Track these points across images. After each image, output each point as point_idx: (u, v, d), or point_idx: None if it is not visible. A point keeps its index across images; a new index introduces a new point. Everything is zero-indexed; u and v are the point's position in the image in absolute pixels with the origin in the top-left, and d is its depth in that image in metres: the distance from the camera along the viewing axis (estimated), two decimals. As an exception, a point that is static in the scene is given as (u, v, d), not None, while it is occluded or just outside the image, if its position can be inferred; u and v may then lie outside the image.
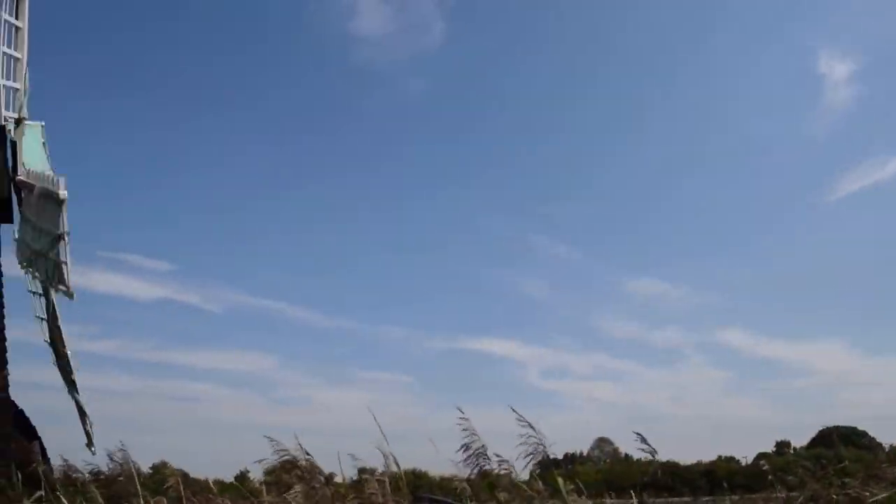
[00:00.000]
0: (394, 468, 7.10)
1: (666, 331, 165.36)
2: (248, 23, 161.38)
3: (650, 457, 7.45)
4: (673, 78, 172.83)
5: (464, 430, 7.16)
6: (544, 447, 7.14)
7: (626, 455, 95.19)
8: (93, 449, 20.52)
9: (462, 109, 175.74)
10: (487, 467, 7.30)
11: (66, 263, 18.65)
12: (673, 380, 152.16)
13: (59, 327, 22.39)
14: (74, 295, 18.98)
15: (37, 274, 20.76)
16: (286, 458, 7.99)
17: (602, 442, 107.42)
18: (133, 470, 8.99)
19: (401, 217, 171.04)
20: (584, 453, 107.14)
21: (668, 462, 77.19)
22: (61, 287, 19.12)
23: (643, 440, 7.15)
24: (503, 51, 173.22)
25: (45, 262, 19.64)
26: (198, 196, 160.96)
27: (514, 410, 7.01)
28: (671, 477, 61.71)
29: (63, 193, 18.44)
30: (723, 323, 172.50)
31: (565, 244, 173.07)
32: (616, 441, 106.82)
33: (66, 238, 18.50)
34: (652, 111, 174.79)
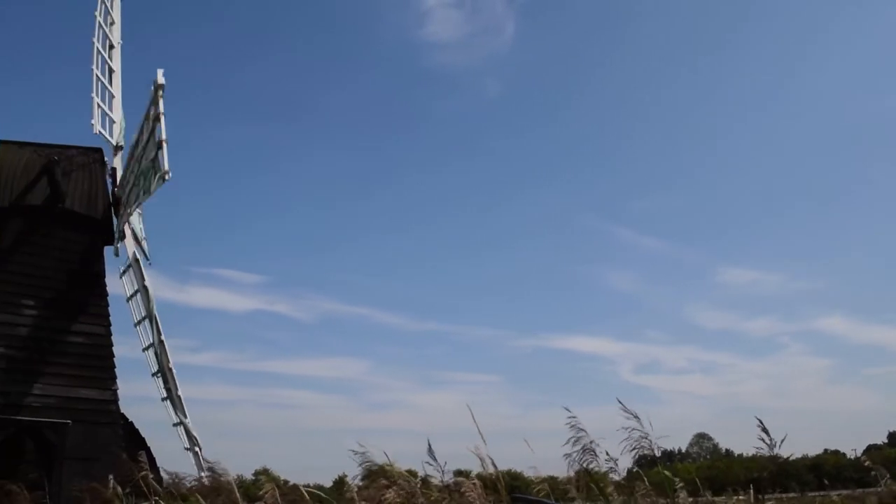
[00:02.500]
0: (490, 469, 7.03)
1: (761, 320, 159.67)
2: (323, 34, 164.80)
3: (767, 451, 7.09)
4: (749, 61, 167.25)
5: (571, 426, 7.03)
6: (650, 441, 6.94)
7: (727, 450, 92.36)
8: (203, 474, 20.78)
9: (540, 108, 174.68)
10: (594, 465, 7.15)
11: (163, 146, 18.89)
12: (771, 370, 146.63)
13: (161, 342, 23.11)
14: (168, 174, 18.80)
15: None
16: (368, 464, 8.04)
17: (701, 438, 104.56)
18: (231, 480, 9.24)
19: (483, 218, 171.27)
20: (683, 450, 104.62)
21: (771, 457, 74.54)
22: (161, 172, 19.15)
23: (764, 429, 6.79)
24: (577, 45, 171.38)
25: (146, 177, 20.10)
26: (280, 207, 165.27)
27: (619, 402, 6.86)
28: (776, 472, 59.50)
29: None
30: (822, 309, 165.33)
31: (653, 236, 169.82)
32: (715, 436, 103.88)
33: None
34: (731, 95, 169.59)
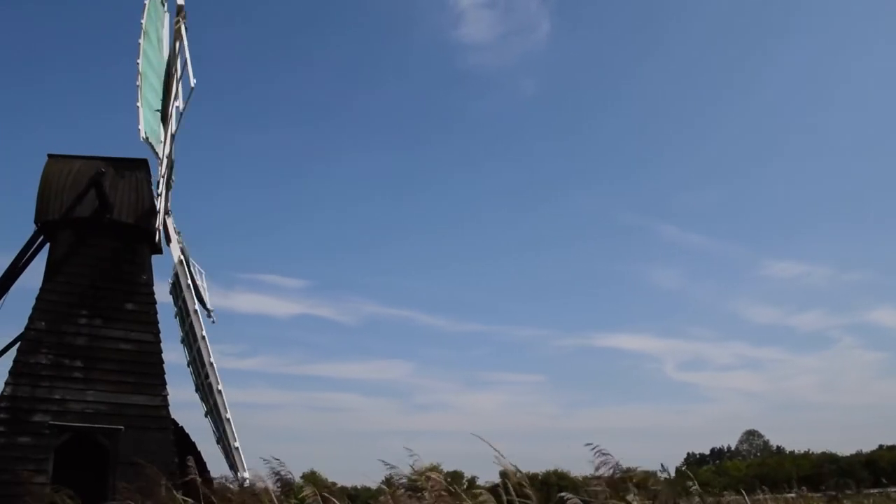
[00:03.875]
0: (515, 477, 7.01)
1: (810, 314, 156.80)
2: (358, 38, 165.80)
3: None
4: (792, 56, 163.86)
5: (597, 454, 7.05)
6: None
7: (778, 447, 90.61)
8: (244, 474, 21.13)
9: (576, 106, 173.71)
10: (619, 475, 7.15)
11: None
12: (822, 365, 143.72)
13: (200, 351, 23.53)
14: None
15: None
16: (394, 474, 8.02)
17: (751, 435, 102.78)
18: (269, 486, 9.36)
19: (521, 217, 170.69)
20: (733, 447, 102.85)
21: (824, 453, 72.82)
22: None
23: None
24: (614, 41, 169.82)
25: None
26: (320, 210, 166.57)
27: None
28: (829, 468, 58.29)
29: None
30: (873, 302, 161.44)
31: (695, 232, 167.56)
32: (765, 433, 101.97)
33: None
34: (774, 87, 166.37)
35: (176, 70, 23.86)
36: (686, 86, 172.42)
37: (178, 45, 22.97)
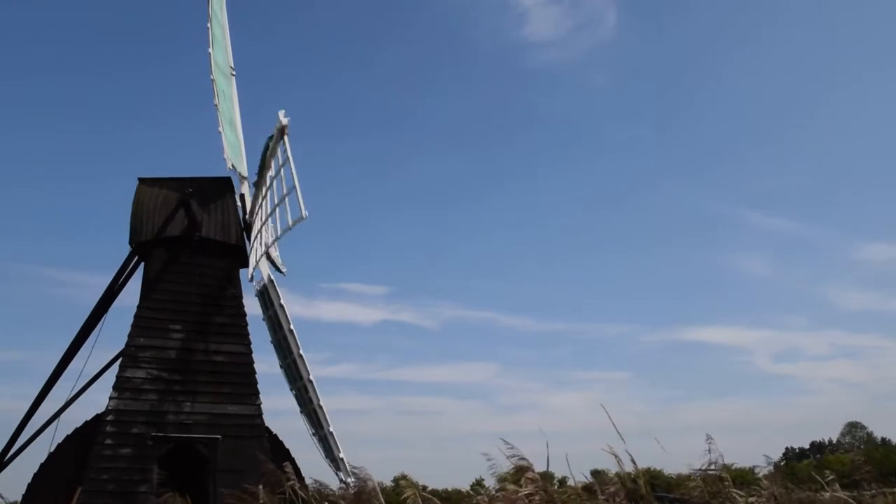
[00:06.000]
0: (628, 468, 6.92)
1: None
2: (424, 44, 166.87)
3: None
4: (876, 29, 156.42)
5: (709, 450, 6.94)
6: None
7: (883, 439, 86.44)
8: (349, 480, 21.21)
9: (649, 96, 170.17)
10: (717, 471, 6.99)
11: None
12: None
13: (300, 356, 23.97)
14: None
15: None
16: (520, 463, 8.06)
17: (853, 427, 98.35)
18: (376, 485, 9.50)
19: (601, 212, 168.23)
20: (834, 440, 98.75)
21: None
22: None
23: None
24: (686, 25, 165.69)
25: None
26: (396, 216, 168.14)
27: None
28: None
29: None
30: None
31: (782, 217, 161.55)
32: (869, 424, 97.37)
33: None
34: (856, 61, 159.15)
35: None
36: (766, 63, 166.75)
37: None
